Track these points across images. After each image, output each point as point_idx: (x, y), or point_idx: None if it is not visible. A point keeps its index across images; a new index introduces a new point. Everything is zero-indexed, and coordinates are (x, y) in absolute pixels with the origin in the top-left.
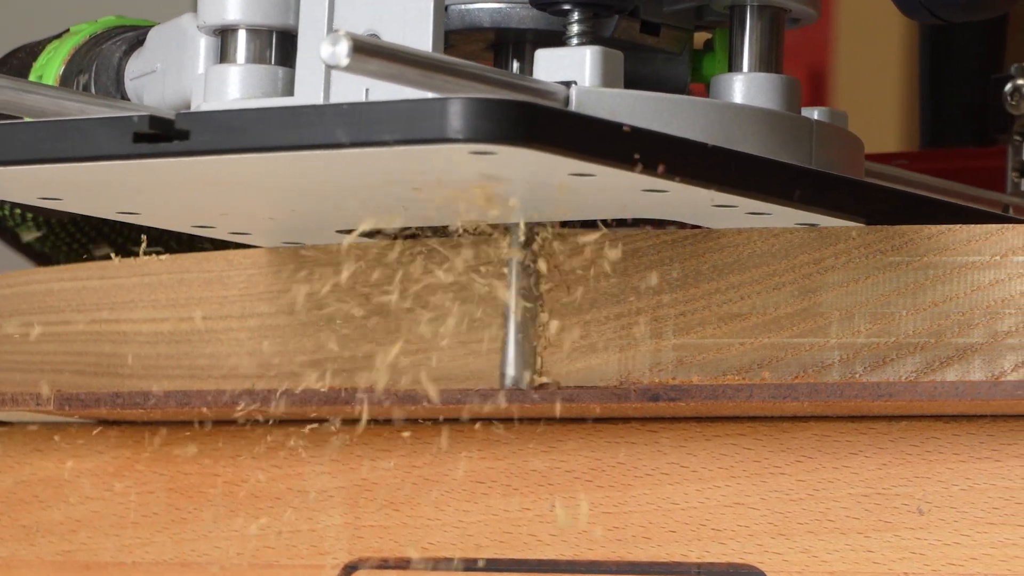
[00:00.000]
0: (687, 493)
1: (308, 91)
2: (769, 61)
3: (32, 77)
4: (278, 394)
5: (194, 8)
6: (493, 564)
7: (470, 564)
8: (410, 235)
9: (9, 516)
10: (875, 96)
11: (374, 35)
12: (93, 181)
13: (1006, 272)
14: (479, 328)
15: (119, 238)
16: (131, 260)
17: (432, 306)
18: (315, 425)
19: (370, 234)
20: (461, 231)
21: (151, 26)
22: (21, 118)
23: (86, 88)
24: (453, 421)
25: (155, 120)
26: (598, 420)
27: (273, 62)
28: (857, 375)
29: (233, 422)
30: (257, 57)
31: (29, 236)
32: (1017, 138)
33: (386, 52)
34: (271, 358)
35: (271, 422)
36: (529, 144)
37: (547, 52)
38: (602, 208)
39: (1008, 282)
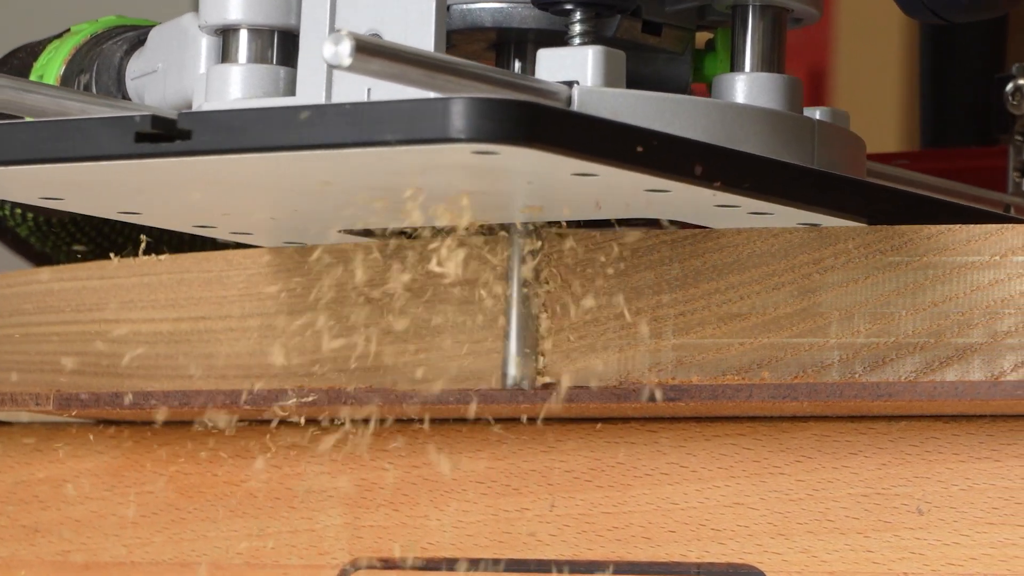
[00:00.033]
0: (687, 493)
1: (310, 91)
2: (771, 61)
3: (33, 77)
4: (277, 394)
5: (195, 8)
6: (493, 564)
7: (470, 564)
8: (411, 235)
9: (9, 516)
10: (875, 96)
11: (376, 35)
12: (95, 181)
13: (1005, 272)
14: (480, 328)
15: (120, 238)
16: (130, 260)
17: (433, 306)
18: (315, 425)
19: (371, 234)
20: (463, 230)
21: (152, 26)
22: (22, 118)
23: (87, 88)
24: (453, 421)
25: (157, 120)
26: (598, 420)
27: (275, 62)
28: (857, 375)
29: (233, 422)
30: (259, 57)
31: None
32: (1018, 138)
33: (389, 52)
34: (271, 358)
35: (270, 422)
36: (532, 144)
37: (549, 52)
38: (605, 208)
39: (1007, 282)
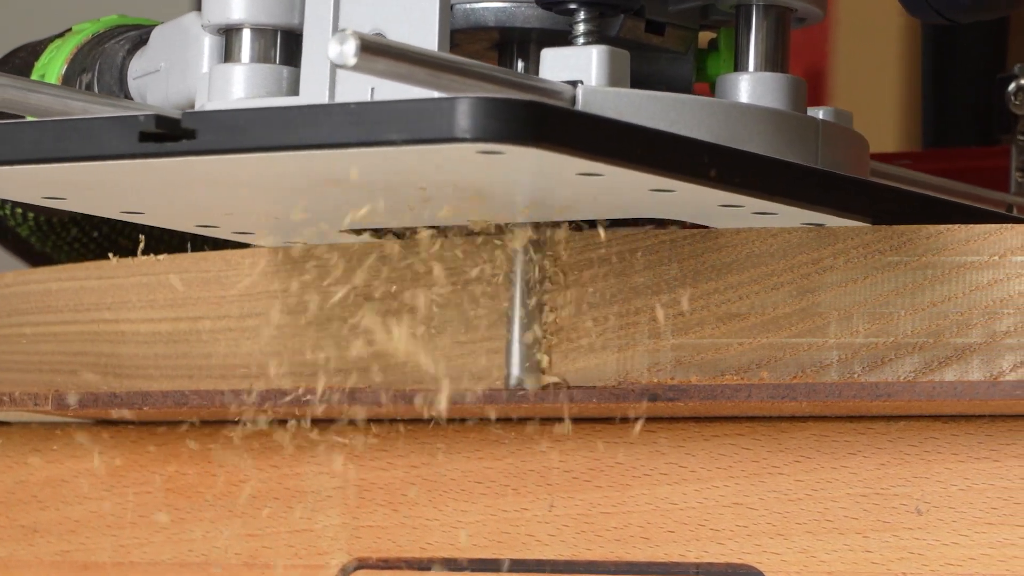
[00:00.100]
0: (685, 493)
1: (313, 90)
2: (775, 60)
3: (34, 76)
4: (277, 394)
5: (198, 7)
6: (493, 564)
7: (469, 564)
8: (413, 235)
9: (7, 516)
10: (875, 96)
11: (379, 34)
12: (97, 181)
13: (1005, 272)
14: (480, 328)
15: (120, 238)
16: (129, 260)
17: (434, 305)
18: (314, 425)
19: (373, 233)
20: (465, 230)
21: (154, 25)
22: (25, 117)
23: (89, 87)
24: (453, 421)
25: (161, 119)
26: (597, 420)
27: (277, 61)
28: (855, 375)
29: (232, 422)
30: (262, 56)
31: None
32: (1021, 138)
33: (393, 51)
34: (270, 358)
35: (270, 422)
36: (537, 144)
37: (553, 51)
38: (608, 208)
39: (1007, 282)
